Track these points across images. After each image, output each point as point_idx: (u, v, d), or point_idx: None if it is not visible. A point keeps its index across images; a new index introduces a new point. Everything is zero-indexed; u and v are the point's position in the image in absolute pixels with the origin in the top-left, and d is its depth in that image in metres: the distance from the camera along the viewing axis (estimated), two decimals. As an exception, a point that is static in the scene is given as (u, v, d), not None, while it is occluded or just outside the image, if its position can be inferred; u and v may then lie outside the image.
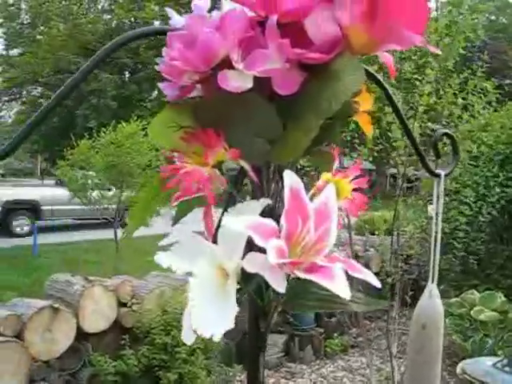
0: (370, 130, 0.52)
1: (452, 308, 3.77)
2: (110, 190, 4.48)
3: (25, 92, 23.03)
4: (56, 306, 2.51)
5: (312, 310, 0.68)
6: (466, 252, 4.19)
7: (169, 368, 2.64)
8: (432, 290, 0.74)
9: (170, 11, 0.48)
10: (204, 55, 0.39)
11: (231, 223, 0.39)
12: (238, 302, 0.43)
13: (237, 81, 0.40)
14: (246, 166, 0.44)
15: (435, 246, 0.74)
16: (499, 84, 4.40)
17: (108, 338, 2.77)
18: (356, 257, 4.60)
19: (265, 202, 0.44)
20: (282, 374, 3.69)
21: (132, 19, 21.91)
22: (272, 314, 0.50)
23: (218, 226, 0.46)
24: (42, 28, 22.33)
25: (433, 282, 0.74)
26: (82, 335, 2.67)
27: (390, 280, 3.31)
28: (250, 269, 0.41)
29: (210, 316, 0.41)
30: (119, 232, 4.45)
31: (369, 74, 0.56)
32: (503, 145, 4.31)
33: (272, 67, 0.40)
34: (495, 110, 4.22)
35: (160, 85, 0.46)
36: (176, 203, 0.53)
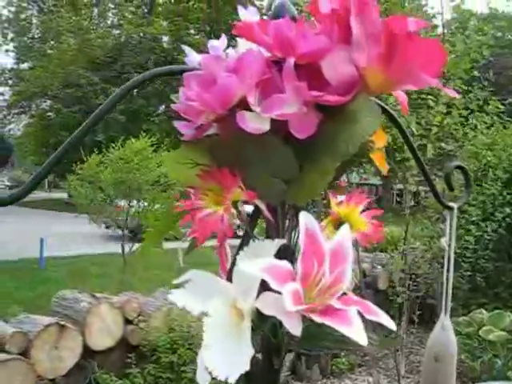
0: (385, 167, 0.52)
1: (460, 327, 3.73)
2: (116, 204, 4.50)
3: (34, 105, 23.26)
4: (63, 323, 2.51)
5: (327, 351, 0.68)
6: (473, 270, 4.17)
7: (175, 387, 2.62)
8: (444, 322, 0.73)
9: (187, 49, 0.49)
10: (221, 98, 0.40)
11: (246, 267, 0.39)
12: (252, 341, 0.43)
13: (255, 123, 0.40)
14: (262, 206, 0.44)
15: (448, 277, 0.73)
16: (503, 99, 4.40)
17: (114, 356, 2.75)
18: (364, 275, 4.57)
19: (280, 242, 0.44)
20: (289, 393, 3.65)
21: (141, 34, 22.15)
22: (286, 351, 0.50)
23: (233, 264, 0.46)
24: (52, 42, 22.65)
25: (446, 314, 0.73)
26: (88, 352, 2.66)
27: (399, 299, 3.28)
28: (266, 311, 0.40)
29: (225, 358, 0.41)
30: (126, 246, 4.47)
31: (382, 109, 0.56)
32: (508, 163, 4.31)
33: (289, 111, 0.40)
34: (504, 127, 4.22)
35: (176, 123, 0.46)
36: (186, 240, 0.53)
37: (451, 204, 0.67)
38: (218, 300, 0.44)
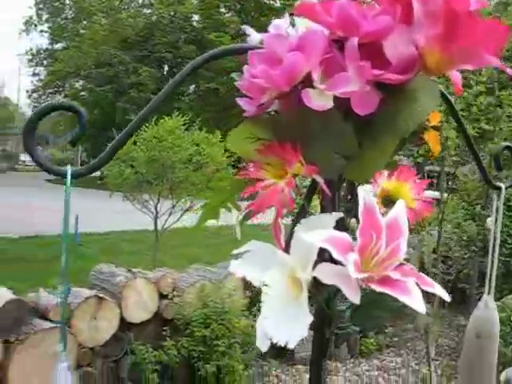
0: (437, 149, 0.53)
1: (492, 312, 3.70)
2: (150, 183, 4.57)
3: (67, 85, 23.64)
4: (101, 295, 2.60)
5: (381, 322, 0.70)
6: (509, 255, 4.11)
7: (207, 360, 2.70)
8: (487, 301, 0.74)
9: (249, 28, 0.50)
10: (288, 75, 0.41)
11: (308, 237, 0.41)
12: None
13: (319, 100, 0.41)
14: (320, 180, 0.46)
15: (493, 258, 0.74)
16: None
17: (149, 329, 2.84)
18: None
19: (337, 215, 0.46)
20: (317, 370, 3.69)
21: (171, 13, 22.12)
22: (337, 322, 0.52)
23: (290, 237, 0.48)
24: (85, 23, 22.85)
25: (489, 293, 0.74)
26: (124, 325, 2.75)
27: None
28: (326, 280, 0.42)
29: (285, 324, 0.43)
30: (159, 223, 4.56)
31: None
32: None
33: (352, 89, 0.41)
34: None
35: (239, 100, 0.48)
36: (242, 214, 0.56)
37: (499, 184, 0.67)
38: (277, 270, 0.46)
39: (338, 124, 0.44)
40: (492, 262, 0.74)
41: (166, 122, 4.38)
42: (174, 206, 4.56)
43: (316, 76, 0.42)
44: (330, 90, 0.41)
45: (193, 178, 4.33)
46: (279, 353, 3.67)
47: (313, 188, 0.49)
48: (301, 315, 0.44)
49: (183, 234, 5.53)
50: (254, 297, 3.29)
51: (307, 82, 0.44)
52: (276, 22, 0.47)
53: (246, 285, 3.41)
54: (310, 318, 0.43)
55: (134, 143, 4.48)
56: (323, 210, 0.50)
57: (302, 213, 0.49)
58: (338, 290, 0.53)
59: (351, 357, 4.01)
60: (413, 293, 0.39)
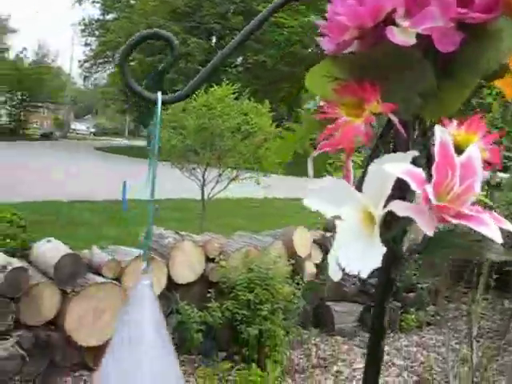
0: (510, 94, 0.53)
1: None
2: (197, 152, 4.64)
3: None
4: (151, 254, 2.69)
5: (446, 257, 0.70)
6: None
7: (250, 323, 2.77)
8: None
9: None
10: (374, 11, 0.42)
11: (388, 167, 0.43)
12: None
13: (402, 36, 0.42)
14: (395, 119, 0.47)
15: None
16: None
17: (195, 290, 2.94)
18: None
19: (413, 153, 0.47)
20: (356, 342, 3.73)
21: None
22: (403, 263, 0.54)
23: (363, 175, 0.50)
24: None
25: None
26: (171, 285, 2.85)
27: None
28: (401, 213, 0.44)
29: (358, 255, 0.45)
30: (205, 191, 4.65)
31: None
32: None
33: (436, 25, 0.42)
34: None
35: (319, 39, 0.49)
36: (317, 152, 0.58)
37: None
38: (351, 206, 0.48)
39: (418, 61, 0.45)
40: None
41: (216, 91, 4.42)
42: (220, 175, 4.62)
43: (401, 12, 0.43)
44: (414, 26, 0.42)
45: (240, 147, 4.37)
46: (319, 322, 3.73)
47: (388, 128, 0.51)
48: (374, 247, 0.45)
49: (229, 203, 5.61)
50: (297, 265, 3.34)
51: (388, 20, 0.45)
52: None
53: (290, 253, 3.46)
54: (383, 249, 0.45)
55: (183, 110, 4.54)
56: (396, 151, 0.51)
57: (375, 152, 0.51)
58: (405, 232, 0.54)
59: (391, 331, 4.02)
60: (489, 224, 0.40)
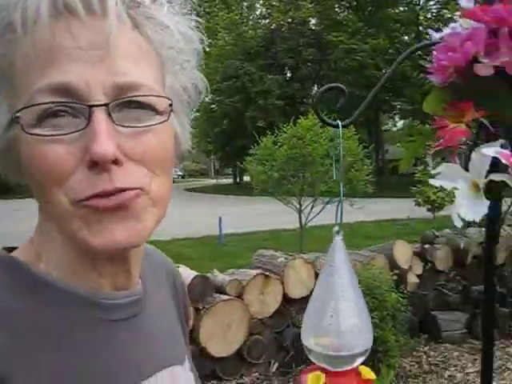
0: None
1: None
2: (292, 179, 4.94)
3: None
4: (267, 273, 3.01)
5: None
6: None
7: (362, 331, 2.95)
8: None
9: (432, 32, 0.79)
10: (464, 57, 0.69)
11: (486, 151, 0.68)
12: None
13: (484, 69, 0.69)
14: (486, 122, 0.73)
15: None
16: None
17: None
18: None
19: (500, 141, 0.72)
20: (466, 349, 3.76)
21: (289, 20, 22.75)
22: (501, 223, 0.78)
23: (468, 159, 0.75)
24: (210, 41, 24.43)
25: None
26: (286, 300, 3.13)
27: None
28: (497, 178, 0.69)
29: (471, 209, 0.71)
30: (303, 218, 4.93)
31: None
32: None
33: (505, 60, 0.68)
34: None
35: (429, 76, 0.77)
36: (434, 151, 0.84)
37: None
38: (462, 180, 0.74)
39: (496, 84, 0.71)
40: None
41: (303, 122, 4.74)
42: (315, 200, 4.89)
43: (481, 54, 0.70)
44: (491, 62, 0.69)
45: (331, 172, 4.63)
46: (426, 331, 3.82)
47: (479, 128, 0.76)
48: (482, 202, 0.71)
49: (324, 228, 5.84)
50: (402, 275, 3.49)
51: (474, 59, 0.71)
52: (452, 24, 0.75)
53: (392, 265, 3.62)
54: (487, 202, 0.70)
55: (275, 143, 4.90)
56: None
57: (475, 144, 0.76)
58: (500, 193, 0.79)
59: (501, 338, 3.99)
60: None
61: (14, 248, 0.48)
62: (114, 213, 0.41)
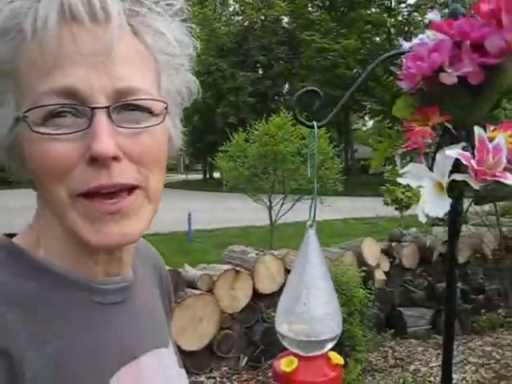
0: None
1: None
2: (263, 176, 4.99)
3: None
4: (237, 269, 3.05)
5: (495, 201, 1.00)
6: None
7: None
8: None
9: (402, 41, 0.85)
10: (431, 66, 0.75)
11: (449, 152, 0.75)
12: (446, 202, 0.78)
13: (448, 78, 0.75)
14: (450, 126, 0.79)
15: None
16: None
17: (277, 299, 3.24)
18: (505, 237, 4.61)
19: (462, 144, 0.78)
20: (430, 344, 3.91)
21: (262, 17, 22.80)
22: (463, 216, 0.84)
23: (433, 160, 0.82)
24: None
25: None
26: (256, 296, 3.18)
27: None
28: (459, 178, 0.76)
29: (435, 205, 0.77)
30: (273, 215, 4.98)
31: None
32: None
33: (468, 70, 0.75)
34: None
35: (398, 82, 0.83)
36: (401, 151, 0.90)
37: None
38: (427, 179, 0.80)
39: (459, 91, 0.77)
40: None
41: (275, 120, 4.80)
42: (285, 197, 4.96)
43: (446, 64, 0.76)
44: (455, 72, 0.75)
45: (302, 170, 4.71)
46: (392, 326, 3.94)
47: (444, 131, 0.83)
48: (445, 199, 0.77)
49: (293, 225, 5.92)
50: (370, 272, 3.59)
51: (439, 69, 0.78)
52: (420, 36, 0.81)
53: (360, 263, 3.72)
54: (450, 200, 0.76)
55: (246, 141, 4.95)
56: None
57: (439, 146, 0.83)
58: (462, 192, 0.85)
59: (463, 333, 4.15)
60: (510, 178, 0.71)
61: (14, 235, 0.51)
62: (114, 214, 0.45)
